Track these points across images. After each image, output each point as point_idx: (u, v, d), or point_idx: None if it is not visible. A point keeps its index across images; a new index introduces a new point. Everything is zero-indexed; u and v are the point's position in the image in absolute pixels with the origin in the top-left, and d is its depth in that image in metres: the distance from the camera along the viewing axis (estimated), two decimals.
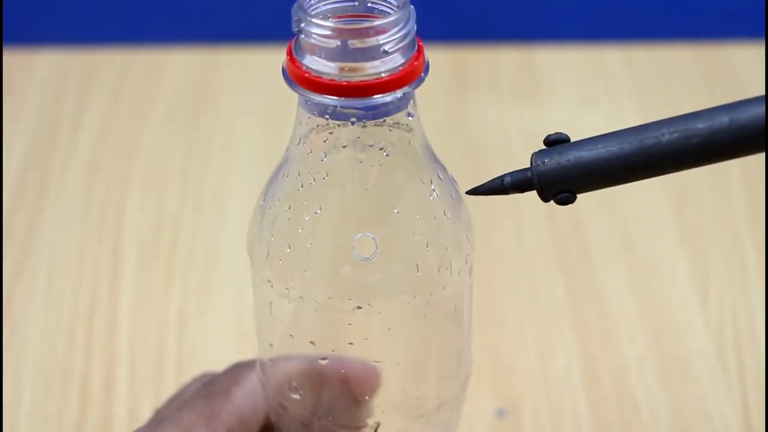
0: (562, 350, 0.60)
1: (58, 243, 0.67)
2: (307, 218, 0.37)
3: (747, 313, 0.62)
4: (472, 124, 0.77)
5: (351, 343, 0.39)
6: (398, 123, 0.36)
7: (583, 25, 0.85)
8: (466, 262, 0.40)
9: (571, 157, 0.33)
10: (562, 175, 0.33)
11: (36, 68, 0.82)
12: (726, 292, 0.63)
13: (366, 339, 0.39)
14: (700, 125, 0.31)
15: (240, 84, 0.80)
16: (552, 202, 0.34)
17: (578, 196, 0.33)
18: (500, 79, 0.82)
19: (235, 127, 0.76)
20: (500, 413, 0.56)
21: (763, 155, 0.32)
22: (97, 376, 0.59)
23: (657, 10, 0.85)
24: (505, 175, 0.34)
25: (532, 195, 0.34)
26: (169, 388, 0.58)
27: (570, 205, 0.33)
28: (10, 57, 0.83)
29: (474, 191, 0.35)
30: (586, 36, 0.85)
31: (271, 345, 0.41)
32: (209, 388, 0.42)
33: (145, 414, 0.56)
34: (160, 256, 0.66)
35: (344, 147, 0.36)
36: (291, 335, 0.40)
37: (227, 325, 0.62)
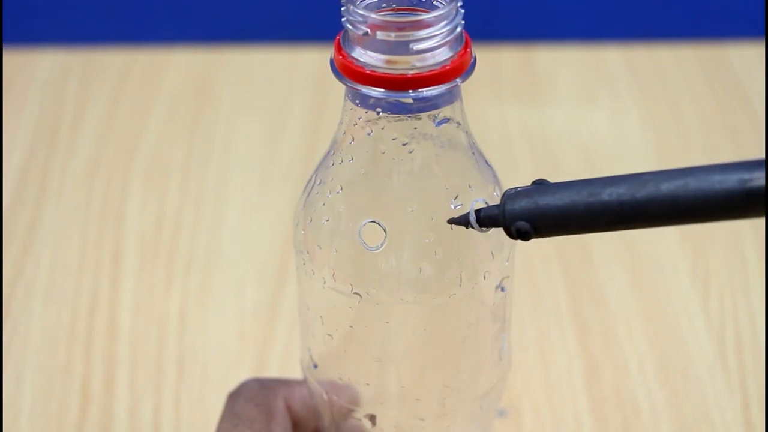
0: (562, 350, 0.60)
1: (59, 242, 0.67)
2: (359, 216, 0.37)
3: (747, 313, 0.62)
4: (472, 124, 0.76)
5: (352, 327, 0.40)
6: (447, 117, 0.36)
7: (583, 24, 0.85)
8: (485, 278, 0.39)
9: (534, 201, 0.33)
10: (525, 217, 0.34)
11: (36, 68, 0.82)
12: (726, 292, 0.63)
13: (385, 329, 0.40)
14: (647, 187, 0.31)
15: (240, 84, 0.80)
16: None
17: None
18: (501, 78, 0.82)
19: (235, 127, 0.76)
20: (501, 413, 0.56)
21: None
22: (97, 376, 0.59)
23: (657, 9, 0.85)
24: (479, 209, 0.36)
25: None
26: (169, 388, 0.58)
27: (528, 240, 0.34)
28: (10, 57, 0.83)
29: (452, 221, 0.37)
30: (586, 36, 0.85)
31: (330, 335, 0.41)
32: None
33: (146, 414, 0.56)
34: (161, 255, 0.66)
35: (393, 139, 0.36)
36: (351, 327, 0.40)
37: (227, 325, 0.62)
